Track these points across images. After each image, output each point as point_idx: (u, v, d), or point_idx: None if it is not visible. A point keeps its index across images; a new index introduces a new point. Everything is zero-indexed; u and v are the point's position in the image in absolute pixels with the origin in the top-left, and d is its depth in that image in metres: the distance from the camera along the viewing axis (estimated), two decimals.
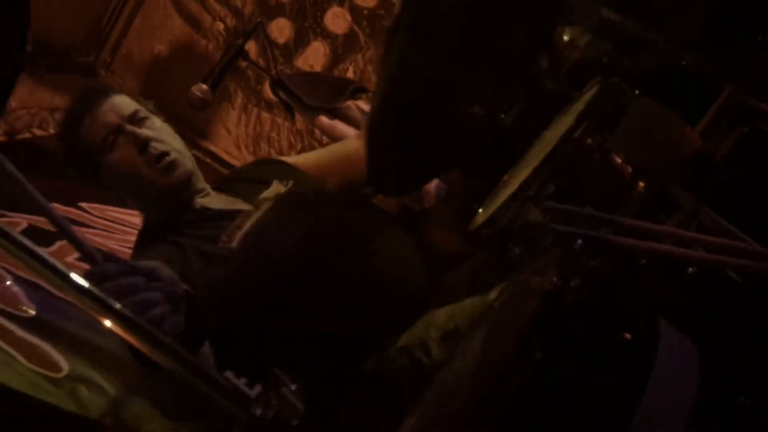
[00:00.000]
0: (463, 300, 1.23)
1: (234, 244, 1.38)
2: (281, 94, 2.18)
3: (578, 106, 1.21)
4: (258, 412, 0.45)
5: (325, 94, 2.19)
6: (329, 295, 1.32)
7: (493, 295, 1.19)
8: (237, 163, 3.18)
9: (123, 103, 1.50)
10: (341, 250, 1.36)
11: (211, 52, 3.25)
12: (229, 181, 1.61)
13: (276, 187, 1.53)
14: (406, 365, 1.18)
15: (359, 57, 3.08)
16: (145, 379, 1.49)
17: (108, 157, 1.45)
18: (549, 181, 1.16)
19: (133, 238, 2.06)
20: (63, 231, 0.90)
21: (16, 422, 1.35)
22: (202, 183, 1.54)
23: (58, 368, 1.55)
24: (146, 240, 1.50)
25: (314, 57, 3.16)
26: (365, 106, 2.27)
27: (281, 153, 3.18)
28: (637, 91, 1.25)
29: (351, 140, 1.81)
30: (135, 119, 1.46)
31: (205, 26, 3.28)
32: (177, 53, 3.33)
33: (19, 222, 2.32)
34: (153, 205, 1.49)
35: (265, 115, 3.25)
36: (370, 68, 3.03)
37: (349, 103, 2.25)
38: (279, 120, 3.20)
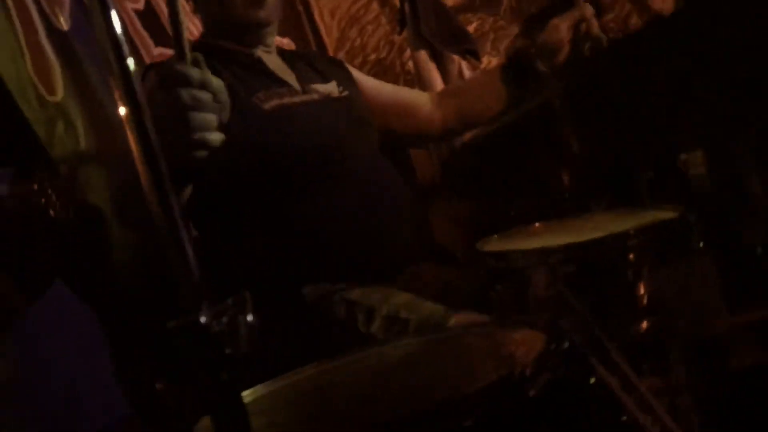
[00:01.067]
0: (427, 301, 1.21)
1: (266, 107, 1.34)
2: (406, 5, 2.10)
3: (646, 218, 1.17)
4: (203, 320, 0.41)
5: (442, 33, 2.11)
6: (319, 211, 1.30)
7: (455, 319, 1.16)
8: (321, 28, 3.08)
9: None
10: (354, 182, 1.33)
11: None
12: (295, 56, 1.55)
13: (332, 87, 1.49)
14: (342, 319, 1.16)
15: (490, 20, 2.96)
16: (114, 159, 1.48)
17: None
18: (574, 261, 1.13)
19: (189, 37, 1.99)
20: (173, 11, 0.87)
21: None
22: (272, 39, 1.49)
23: (53, 91, 1.50)
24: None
25: None
26: (466, 70, 2.19)
27: (364, 49, 3.08)
28: (702, 243, 1.21)
29: (422, 94, 1.74)
30: None
31: None
32: None
33: None
34: (220, 27, 1.43)
35: (375, 5, 3.13)
36: (492, 35, 2.92)
37: (456, 57, 2.17)
38: (383, 19, 3.09)
